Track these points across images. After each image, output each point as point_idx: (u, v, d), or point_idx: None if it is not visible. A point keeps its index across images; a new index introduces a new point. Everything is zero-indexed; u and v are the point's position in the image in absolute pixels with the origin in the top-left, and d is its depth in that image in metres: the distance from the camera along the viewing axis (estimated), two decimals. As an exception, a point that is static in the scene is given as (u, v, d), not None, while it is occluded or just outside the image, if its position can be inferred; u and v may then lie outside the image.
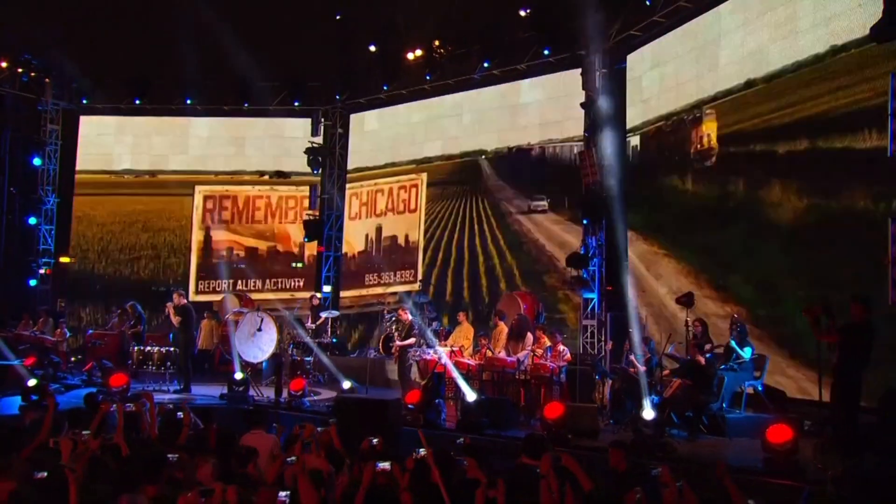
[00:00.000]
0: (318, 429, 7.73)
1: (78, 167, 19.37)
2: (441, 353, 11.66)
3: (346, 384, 12.04)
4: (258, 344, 12.98)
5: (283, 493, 4.34)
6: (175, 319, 12.74)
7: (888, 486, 6.06)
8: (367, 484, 5.17)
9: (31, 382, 10.57)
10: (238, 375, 11.88)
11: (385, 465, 5.34)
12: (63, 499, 4.82)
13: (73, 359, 15.90)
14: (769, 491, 6.58)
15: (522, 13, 15.20)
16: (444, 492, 4.86)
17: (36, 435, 7.33)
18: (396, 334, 12.72)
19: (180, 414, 8.02)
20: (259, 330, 12.94)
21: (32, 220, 18.30)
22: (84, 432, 7.23)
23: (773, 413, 9.72)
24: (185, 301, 13.20)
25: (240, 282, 18.93)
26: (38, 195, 18.35)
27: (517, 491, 5.34)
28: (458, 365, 11.47)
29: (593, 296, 13.99)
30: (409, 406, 10.02)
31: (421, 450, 5.98)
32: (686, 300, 11.23)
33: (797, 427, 7.32)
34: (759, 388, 10.08)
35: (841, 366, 7.32)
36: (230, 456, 6.66)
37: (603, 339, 13.82)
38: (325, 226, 18.38)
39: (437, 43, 16.46)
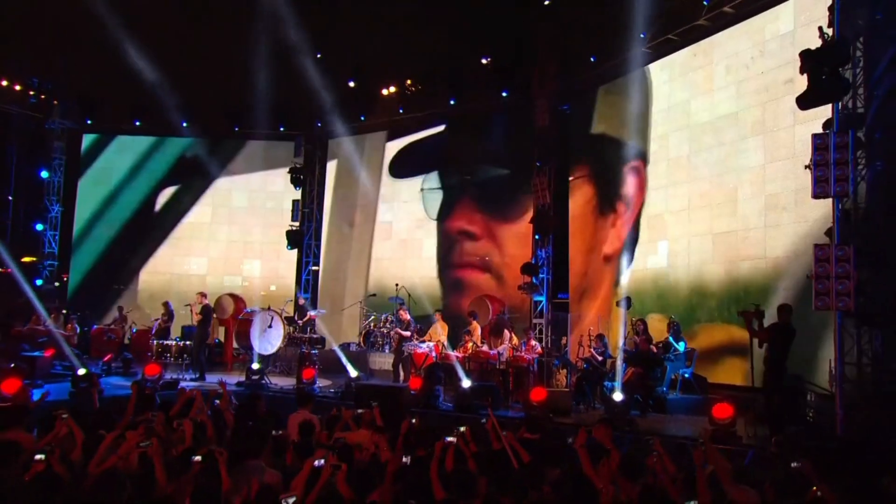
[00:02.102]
0: (359, 410, 8.27)
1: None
2: (446, 346, 12.19)
3: (354, 373, 12.49)
4: (268, 339, 13.29)
5: (405, 457, 4.93)
6: (196, 317, 12.98)
7: (812, 448, 7.10)
8: (439, 455, 5.78)
9: (81, 371, 10.58)
10: (255, 365, 12.22)
11: (451, 438, 5.95)
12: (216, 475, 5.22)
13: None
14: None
15: (484, 61, 16.11)
16: (511, 453, 5.50)
17: (123, 416, 7.65)
18: (387, 330, 13.25)
19: (217, 401, 8.44)
20: (269, 327, 13.25)
21: (39, 227, 18.06)
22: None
23: (700, 395, 10.84)
24: (207, 301, 13.45)
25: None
26: (45, 204, 18.14)
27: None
28: (446, 357, 11.96)
29: (542, 299, 14.81)
30: (412, 391, 10.61)
31: (461, 427, 6.66)
32: (626, 303, 12.22)
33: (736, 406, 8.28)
34: (688, 376, 11.13)
35: (770, 358, 8.23)
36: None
37: (549, 335, 14.69)
38: (304, 236, 18.73)
39: (409, 81, 17.17)
